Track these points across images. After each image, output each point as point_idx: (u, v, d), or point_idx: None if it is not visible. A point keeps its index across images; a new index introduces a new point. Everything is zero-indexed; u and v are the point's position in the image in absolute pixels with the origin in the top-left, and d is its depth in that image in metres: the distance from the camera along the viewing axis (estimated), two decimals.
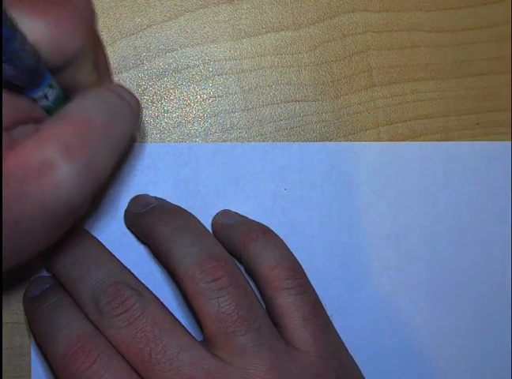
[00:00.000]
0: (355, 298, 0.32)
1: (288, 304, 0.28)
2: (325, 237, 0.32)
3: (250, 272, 0.29)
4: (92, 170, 0.22)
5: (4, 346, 0.30)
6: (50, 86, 0.23)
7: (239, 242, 0.29)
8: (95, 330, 0.26)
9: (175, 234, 0.28)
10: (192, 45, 0.31)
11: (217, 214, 0.31)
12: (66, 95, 0.25)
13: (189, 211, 0.30)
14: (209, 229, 0.31)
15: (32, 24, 0.21)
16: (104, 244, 0.29)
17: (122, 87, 0.25)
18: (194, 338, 0.27)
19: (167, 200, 0.31)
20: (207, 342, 0.27)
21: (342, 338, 0.30)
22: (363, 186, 0.32)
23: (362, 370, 0.30)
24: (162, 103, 0.31)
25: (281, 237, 0.30)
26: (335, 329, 0.30)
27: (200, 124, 0.31)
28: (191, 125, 0.31)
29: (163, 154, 0.31)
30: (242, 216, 0.31)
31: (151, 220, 0.29)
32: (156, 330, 0.26)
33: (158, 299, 0.27)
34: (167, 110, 0.31)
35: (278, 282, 0.28)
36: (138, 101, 0.26)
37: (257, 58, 0.32)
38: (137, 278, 0.28)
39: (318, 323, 0.28)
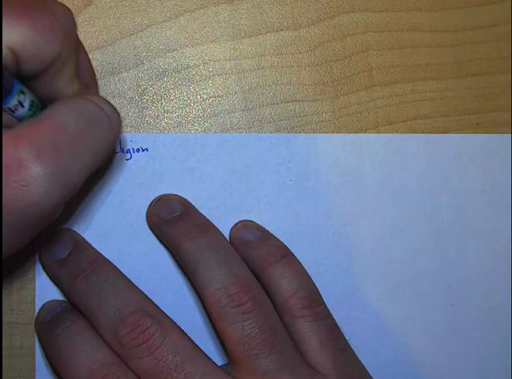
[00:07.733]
0: (359, 289, 0.32)
1: (304, 330, 0.28)
2: (330, 228, 0.32)
3: (268, 296, 0.29)
4: (64, 175, 0.22)
5: (4, 346, 0.30)
6: (22, 92, 0.23)
7: (257, 265, 0.29)
8: (116, 358, 0.26)
9: (201, 253, 0.28)
10: (192, 45, 0.31)
11: (237, 225, 0.31)
12: (44, 103, 0.24)
13: (194, 202, 0.30)
14: (227, 236, 0.31)
15: (8, 28, 0.21)
16: (108, 243, 0.29)
17: (103, 98, 0.25)
18: (216, 364, 0.27)
19: (173, 190, 0.30)
20: (231, 365, 0.28)
21: (346, 329, 0.30)
22: (368, 178, 0.32)
23: (365, 362, 0.30)
24: (162, 103, 0.31)
25: (286, 228, 0.31)
26: (354, 352, 0.30)
27: (200, 124, 0.31)
28: (191, 125, 0.31)
29: (169, 144, 0.31)
30: (262, 230, 0.31)
31: (177, 234, 0.29)
32: (178, 359, 0.26)
33: (178, 326, 0.27)
34: (167, 110, 0.31)
35: (295, 310, 0.28)
36: (119, 115, 0.25)
37: (257, 58, 0.32)
38: (155, 304, 0.28)
39: (336, 347, 0.28)
